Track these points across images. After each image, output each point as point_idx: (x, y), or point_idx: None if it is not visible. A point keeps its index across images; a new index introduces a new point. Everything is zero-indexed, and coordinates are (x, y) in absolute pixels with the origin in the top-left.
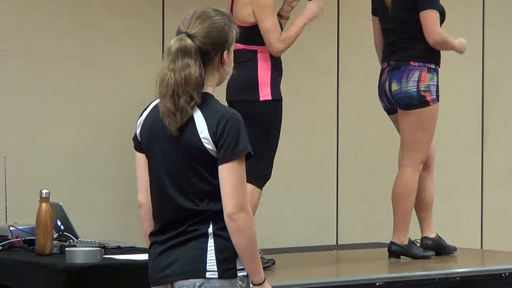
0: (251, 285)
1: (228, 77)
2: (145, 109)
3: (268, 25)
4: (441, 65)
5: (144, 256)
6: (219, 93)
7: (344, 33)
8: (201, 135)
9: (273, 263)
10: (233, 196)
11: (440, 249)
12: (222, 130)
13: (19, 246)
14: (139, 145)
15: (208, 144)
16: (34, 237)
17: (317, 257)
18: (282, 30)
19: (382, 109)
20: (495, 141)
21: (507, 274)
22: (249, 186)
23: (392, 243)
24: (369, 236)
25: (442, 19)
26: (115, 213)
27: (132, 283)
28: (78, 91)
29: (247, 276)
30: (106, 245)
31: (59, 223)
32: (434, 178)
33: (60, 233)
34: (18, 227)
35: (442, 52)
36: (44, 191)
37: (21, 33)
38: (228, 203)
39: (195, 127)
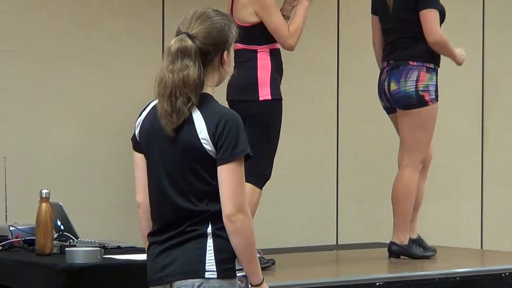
0: (249, 285)
1: (227, 77)
2: (144, 109)
3: (276, 23)
4: (441, 65)
5: (144, 256)
6: (219, 93)
7: (344, 33)
8: (200, 136)
9: (273, 263)
10: (232, 197)
11: None
12: (221, 131)
13: (19, 246)
14: (137, 145)
15: (207, 145)
16: (34, 237)
17: (317, 257)
18: None
19: (382, 109)
20: (495, 141)
21: (507, 274)
22: (249, 186)
23: (392, 243)
24: (369, 236)
25: (442, 19)
26: (115, 213)
27: (132, 283)
28: (78, 91)
29: (246, 276)
30: (106, 245)
31: (59, 223)
32: (434, 178)
33: (60, 233)
34: (18, 227)
35: None
36: (44, 191)
37: (21, 33)
38: (226, 204)
39: (194, 128)
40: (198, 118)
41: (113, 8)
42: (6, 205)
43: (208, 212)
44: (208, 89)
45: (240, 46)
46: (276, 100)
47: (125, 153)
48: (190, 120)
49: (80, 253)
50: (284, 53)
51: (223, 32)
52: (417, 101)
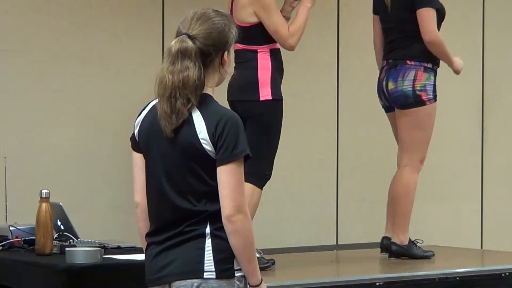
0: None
1: (227, 77)
2: (143, 109)
3: (275, 23)
4: (441, 65)
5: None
6: (220, 93)
7: (344, 33)
8: (200, 136)
9: (273, 263)
10: (231, 198)
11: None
12: (221, 132)
13: (19, 246)
14: (136, 145)
15: (207, 145)
16: (34, 237)
17: (317, 257)
18: None
19: (382, 109)
20: (495, 141)
21: (507, 274)
22: (250, 186)
23: (392, 243)
24: (369, 236)
25: (442, 18)
26: (115, 213)
27: (132, 283)
28: (78, 91)
29: (244, 276)
30: (106, 245)
31: (59, 223)
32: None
33: (60, 233)
34: (18, 227)
35: None
36: (44, 191)
37: (21, 33)
38: (226, 205)
39: (194, 128)
40: (198, 119)
41: (113, 8)
42: (6, 205)
43: (207, 212)
44: (208, 90)
45: (240, 46)
46: (277, 100)
47: (125, 153)
48: (189, 120)
49: (80, 253)
50: (284, 53)
51: (224, 32)
52: (414, 100)
